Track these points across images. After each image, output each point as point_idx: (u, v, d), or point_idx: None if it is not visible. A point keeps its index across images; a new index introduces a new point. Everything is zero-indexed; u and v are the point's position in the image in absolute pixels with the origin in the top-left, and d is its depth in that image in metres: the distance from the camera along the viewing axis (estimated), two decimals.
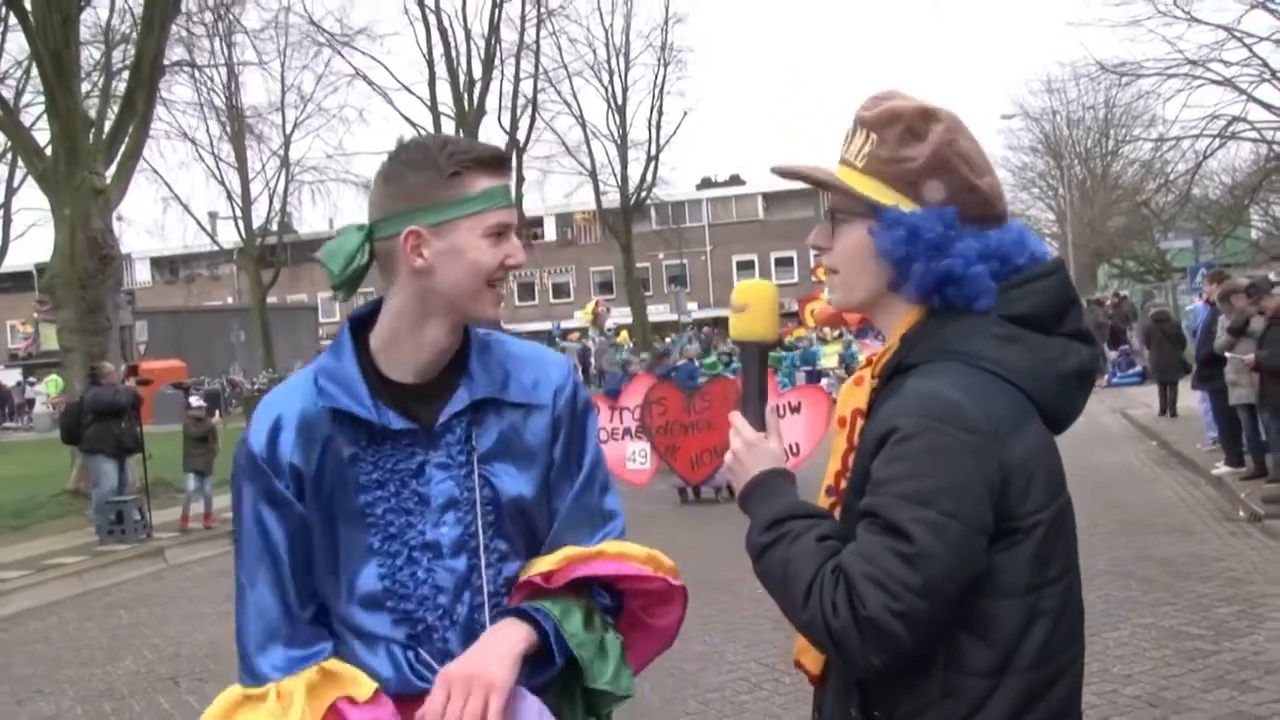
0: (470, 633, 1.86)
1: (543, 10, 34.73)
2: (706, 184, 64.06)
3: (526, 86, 35.99)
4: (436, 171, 1.83)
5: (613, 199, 42.64)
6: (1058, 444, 1.73)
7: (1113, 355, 26.35)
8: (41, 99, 20.91)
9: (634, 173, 42.05)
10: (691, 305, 44.54)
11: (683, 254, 53.93)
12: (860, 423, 1.77)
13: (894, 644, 1.53)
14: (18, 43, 22.44)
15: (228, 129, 39.19)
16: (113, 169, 15.90)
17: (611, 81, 41.20)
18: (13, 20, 17.12)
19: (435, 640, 1.86)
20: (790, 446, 11.78)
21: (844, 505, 1.73)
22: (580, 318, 41.12)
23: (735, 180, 64.67)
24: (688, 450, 12.79)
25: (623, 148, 41.90)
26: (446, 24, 32.93)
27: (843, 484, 1.77)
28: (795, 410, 12.30)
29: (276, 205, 41.32)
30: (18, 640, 8.46)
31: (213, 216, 42.51)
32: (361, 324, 1.96)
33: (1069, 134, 49.84)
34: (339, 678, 1.83)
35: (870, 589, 1.53)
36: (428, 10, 32.35)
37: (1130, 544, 8.79)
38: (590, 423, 2.04)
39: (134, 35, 19.29)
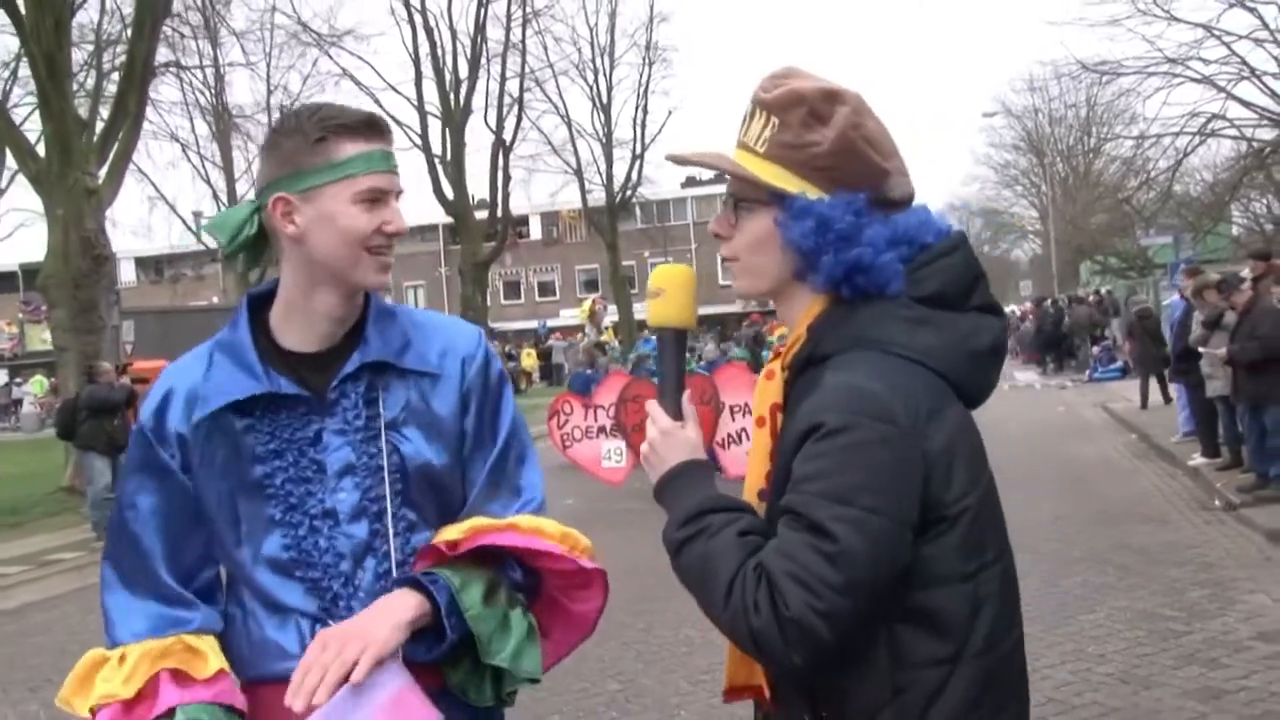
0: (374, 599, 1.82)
1: (528, 10, 34.89)
2: (691, 183, 64.16)
3: (513, 85, 36.08)
4: (304, 137, 1.81)
5: (598, 197, 42.79)
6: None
7: (1095, 350, 26.69)
8: (28, 100, 21.08)
9: (619, 171, 42.22)
10: None
11: (668, 252, 54.02)
12: (779, 418, 1.72)
13: (816, 642, 1.50)
14: (3, 44, 22.60)
15: (214, 129, 39.22)
16: (104, 170, 16.08)
17: (597, 80, 41.32)
18: (2, 22, 17.11)
19: (342, 610, 1.82)
20: None
21: (769, 504, 1.68)
22: (571, 316, 41.17)
23: (720, 179, 64.50)
24: None
25: (608, 146, 42.07)
26: (433, 24, 33.04)
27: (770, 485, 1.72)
28: None
29: None
30: (24, 632, 8.67)
31: (197, 216, 42.48)
32: (261, 301, 1.95)
33: (1051, 131, 50.31)
34: (187, 651, 1.80)
35: (793, 588, 1.49)
36: (414, 10, 32.46)
37: (1108, 533, 9.02)
38: (506, 393, 1.98)
39: (125, 37, 19.44)
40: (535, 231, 62.48)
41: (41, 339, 58.09)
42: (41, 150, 15.74)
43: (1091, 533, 9.05)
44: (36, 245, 15.18)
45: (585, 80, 41.37)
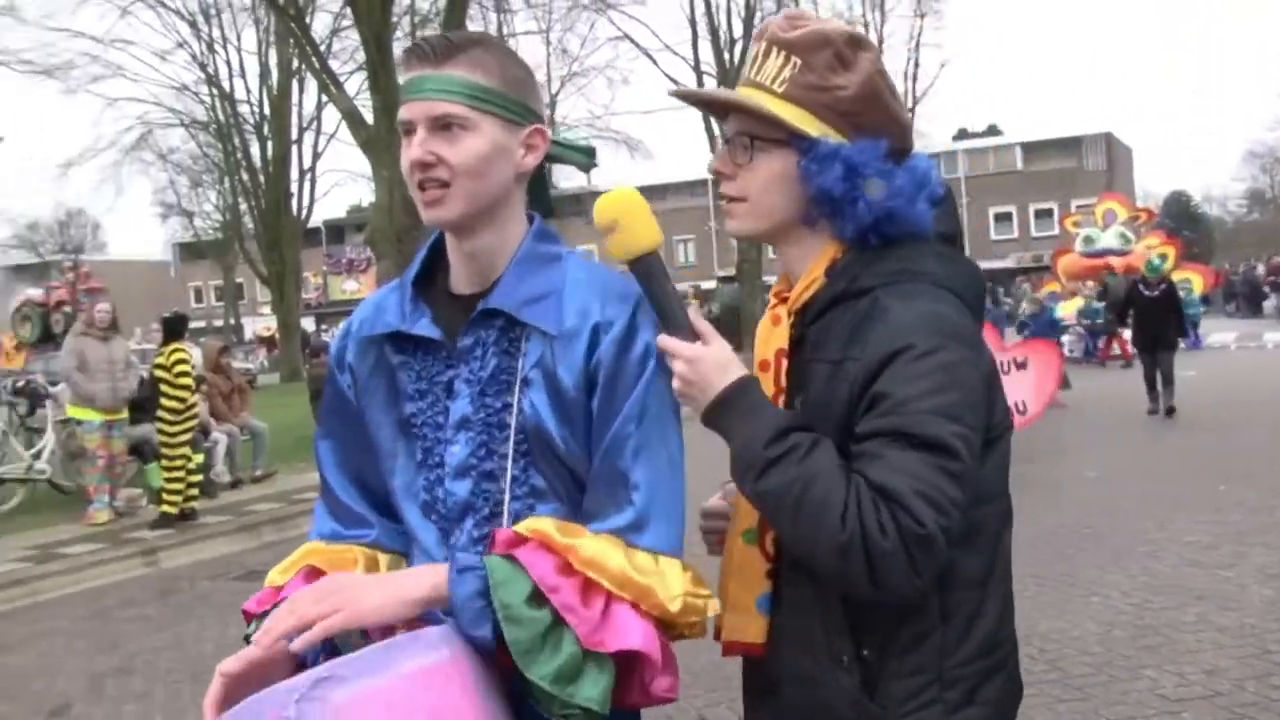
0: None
1: None
2: (963, 135, 62.86)
3: None
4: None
5: None
6: None
7: None
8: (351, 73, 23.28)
9: None
10: None
11: None
12: (784, 363, 1.68)
13: (938, 561, 1.46)
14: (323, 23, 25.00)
15: None
16: None
17: (868, 33, 41.12)
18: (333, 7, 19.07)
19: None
20: (1016, 405, 10.86)
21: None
22: None
23: (992, 130, 63.20)
24: None
25: None
26: None
27: None
28: (1021, 366, 11.20)
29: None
30: None
31: None
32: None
33: None
34: (343, 557, 1.77)
35: (924, 507, 1.43)
36: None
37: None
38: (643, 374, 1.65)
39: (435, 11, 21.22)
40: None
41: (342, 289, 63.12)
42: (369, 118, 17.58)
43: None
44: (335, 204, 17.03)
45: None
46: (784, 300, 1.72)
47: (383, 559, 1.80)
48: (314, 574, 1.72)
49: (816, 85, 1.62)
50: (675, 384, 1.62)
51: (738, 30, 34.74)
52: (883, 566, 1.44)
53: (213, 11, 32.96)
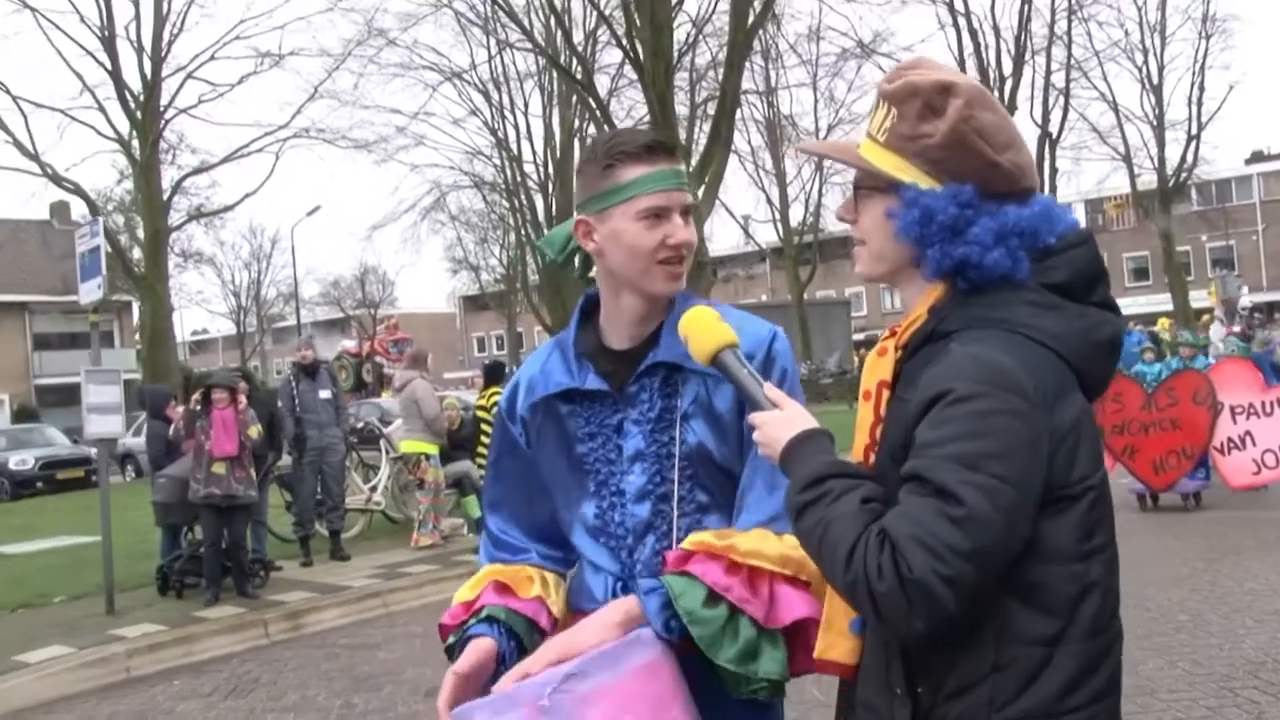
0: (654, 575, 2.00)
1: (1075, 0, 34.59)
2: (1257, 158, 59.15)
3: (1058, 78, 35.98)
4: (596, 165, 2.02)
5: (1147, 181, 41.19)
6: None
7: None
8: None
9: (1172, 154, 40.45)
10: (1243, 288, 41.81)
11: (1229, 234, 50.54)
12: (886, 394, 1.75)
13: (938, 607, 1.48)
14: (600, 85, 26.59)
15: (767, 139, 42.60)
16: (703, 189, 18.96)
17: (1146, 61, 39.82)
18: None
19: (632, 576, 2.07)
20: (1275, 450, 10.50)
21: (881, 475, 1.67)
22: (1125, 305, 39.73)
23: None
24: (1149, 452, 10.96)
25: (1159, 129, 40.38)
26: (976, 25, 33.69)
27: (872, 457, 1.73)
28: None
29: (811, 207, 44.28)
30: None
31: (746, 219, 46.04)
32: (596, 301, 2.18)
33: None
34: (522, 575, 2.14)
35: (917, 551, 1.48)
36: (958, 14, 33.35)
37: None
38: (785, 389, 1.96)
39: (715, 74, 22.48)
40: (1079, 220, 60.36)
41: None
42: None
43: None
44: None
45: (1133, 62, 40.03)
46: (894, 334, 1.79)
47: (549, 576, 2.17)
48: (500, 587, 2.11)
49: (908, 134, 1.71)
50: (759, 447, 1.81)
51: (1007, 68, 34.43)
52: (883, 607, 1.51)
53: (502, 80, 35.48)
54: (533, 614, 2.09)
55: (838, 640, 1.76)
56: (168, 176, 28.69)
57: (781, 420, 1.77)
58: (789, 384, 2.01)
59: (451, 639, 2.11)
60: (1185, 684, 5.61)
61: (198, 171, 30.38)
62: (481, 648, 2.02)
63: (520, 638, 2.06)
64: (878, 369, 1.77)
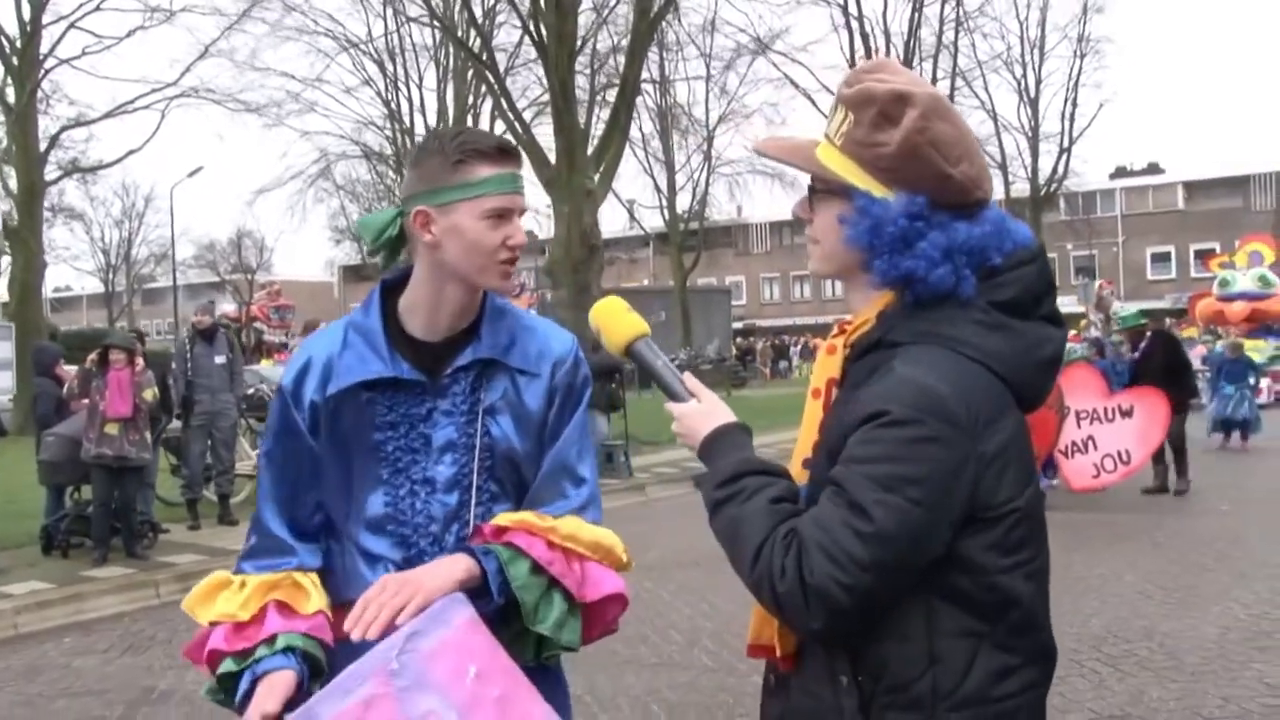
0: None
1: (961, 11, 35.71)
2: (1121, 173, 61.79)
3: (943, 85, 37.01)
4: (444, 158, 2.01)
5: (1020, 189, 42.80)
6: None
7: None
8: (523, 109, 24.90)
9: (1044, 165, 42.09)
10: (1113, 294, 43.65)
11: (1092, 245, 52.75)
12: (834, 392, 1.76)
13: (835, 610, 1.55)
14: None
15: (657, 126, 43.02)
16: (599, 174, 19.26)
17: (1025, 75, 41.36)
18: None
19: (424, 564, 2.02)
20: (1119, 454, 11.02)
21: (819, 472, 1.69)
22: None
23: (1153, 169, 61.93)
24: None
25: (1034, 140, 41.98)
26: (868, 29, 34.50)
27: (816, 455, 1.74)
28: (1127, 414, 11.16)
29: (698, 195, 44.89)
30: None
31: (632, 204, 46.38)
32: (392, 287, 2.15)
33: None
34: (294, 587, 2.06)
35: (820, 558, 1.54)
36: (851, 17, 34.15)
37: None
38: (584, 395, 2.16)
39: (613, 63, 22.75)
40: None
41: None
42: (552, 158, 19.09)
43: None
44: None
45: (1013, 74, 41.51)
46: (844, 332, 1.82)
47: (314, 578, 2.10)
48: (282, 607, 2.03)
49: (862, 141, 1.71)
50: (676, 436, 1.87)
51: None
52: (784, 605, 1.59)
53: (398, 51, 35.16)
54: (321, 632, 2.03)
55: (765, 628, 1.79)
56: (44, 127, 27.79)
57: (700, 413, 1.82)
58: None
59: (230, 666, 1.99)
60: None
61: (78, 125, 29.45)
62: (285, 682, 1.94)
63: (315, 659, 2.00)
64: (827, 367, 1.80)
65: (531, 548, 1.98)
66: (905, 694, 1.63)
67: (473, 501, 2.08)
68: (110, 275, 59.78)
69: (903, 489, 1.55)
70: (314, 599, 2.06)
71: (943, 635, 1.62)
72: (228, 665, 1.99)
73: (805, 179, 1.82)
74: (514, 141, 2.26)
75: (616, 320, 1.93)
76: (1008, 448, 1.64)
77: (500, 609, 1.96)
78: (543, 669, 2.04)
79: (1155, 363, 12.09)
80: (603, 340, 1.94)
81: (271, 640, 1.99)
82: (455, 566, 1.95)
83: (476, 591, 1.93)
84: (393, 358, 2.07)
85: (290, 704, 1.89)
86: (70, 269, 60.40)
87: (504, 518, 2.04)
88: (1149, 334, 12.81)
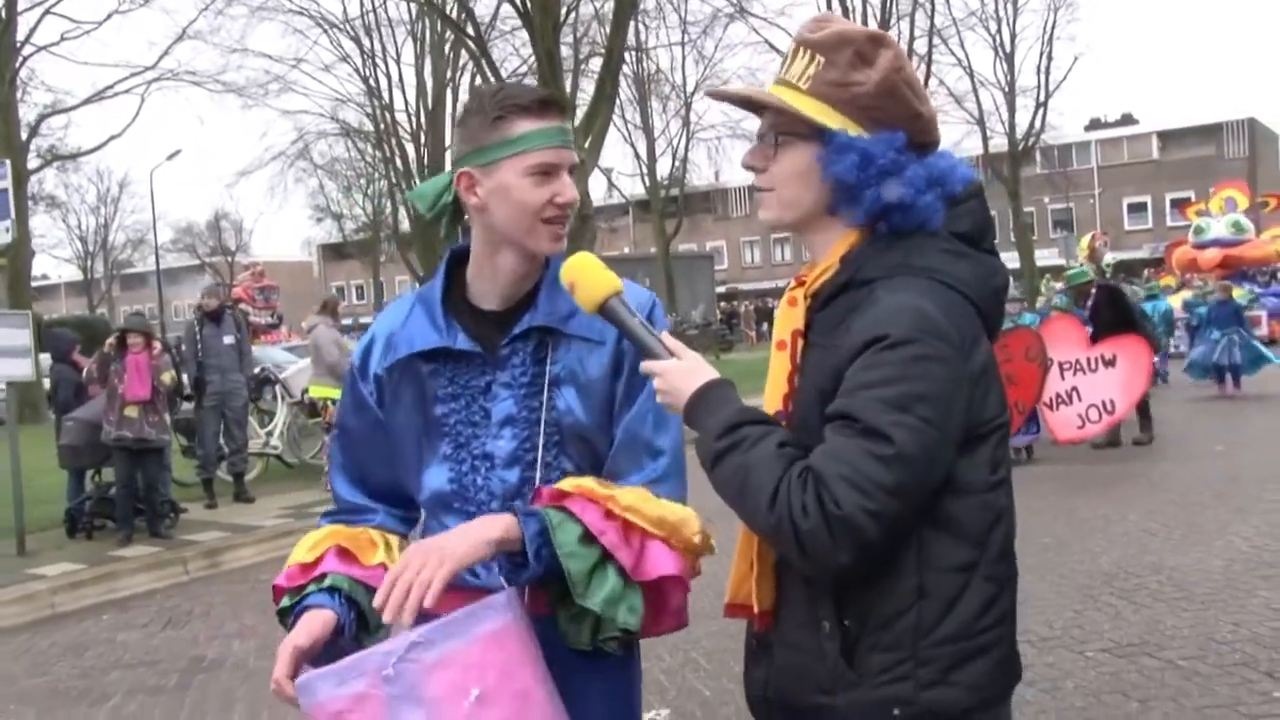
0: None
1: None
2: (1096, 125, 62.07)
3: (920, 44, 37.15)
4: (484, 116, 1.93)
5: (999, 144, 43.04)
6: None
7: None
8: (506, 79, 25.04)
9: (1022, 120, 42.31)
10: (1107, 244, 43.85)
11: (1070, 197, 53.11)
12: (800, 343, 1.76)
13: (863, 541, 1.54)
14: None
15: (635, 93, 43.00)
16: (588, 143, 19.39)
17: (1000, 30, 41.49)
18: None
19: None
20: (1103, 404, 11.09)
21: (800, 420, 1.70)
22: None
23: (1127, 120, 62.28)
24: None
25: (1010, 95, 42.18)
26: None
27: (790, 406, 1.75)
28: (1110, 364, 11.16)
29: (677, 161, 44.93)
30: None
31: (610, 171, 46.40)
32: (461, 257, 2.09)
33: None
34: (365, 540, 2.07)
35: (844, 488, 1.53)
36: None
37: None
38: None
39: (595, 32, 22.79)
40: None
41: None
42: None
43: None
44: None
45: (988, 31, 41.63)
46: (802, 284, 1.81)
47: (391, 539, 2.11)
48: (343, 552, 2.03)
49: (838, 81, 1.72)
50: (657, 396, 1.80)
51: None
52: (808, 544, 1.55)
53: (374, 26, 35.04)
54: (376, 582, 1.92)
55: (743, 585, 1.81)
56: (22, 115, 27.67)
57: (683, 370, 1.76)
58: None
59: (286, 601, 2.03)
60: (1054, 593, 6.44)
61: (56, 112, 29.42)
62: (321, 619, 1.95)
63: (361, 606, 2.00)
64: (790, 318, 1.79)
65: (584, 513, 1.85)
66: (888, 632, 1.65)
67: (537, 478, 1.97)
68: (89, 263, 59.54)
69: (915, 407, 1.56)
70: (380, 553, 2.05)
71: (932, 569, 1.65)
72: (284, 601, 2.04)
73: None
74: (557, 95, 2.12)
75: (591, 276, 1.83)
76: (989, 367, 1.69)
77: (560, 584, 1.84)
78: (603, 657, 1.91)
79: (1104, 317, 11.93)
80: (575, 296, 1.85)
81: (321, 579, 2.01)
82: (491, 527, 1.83)
83: (516, 558, 1.84)
84: (449, 328, 2.01)
85: (328, 645, 1.92)
86: (49, 257, 59.92)
87: (567, 482, 1.92)
88: (1094, 289, 12.67)
